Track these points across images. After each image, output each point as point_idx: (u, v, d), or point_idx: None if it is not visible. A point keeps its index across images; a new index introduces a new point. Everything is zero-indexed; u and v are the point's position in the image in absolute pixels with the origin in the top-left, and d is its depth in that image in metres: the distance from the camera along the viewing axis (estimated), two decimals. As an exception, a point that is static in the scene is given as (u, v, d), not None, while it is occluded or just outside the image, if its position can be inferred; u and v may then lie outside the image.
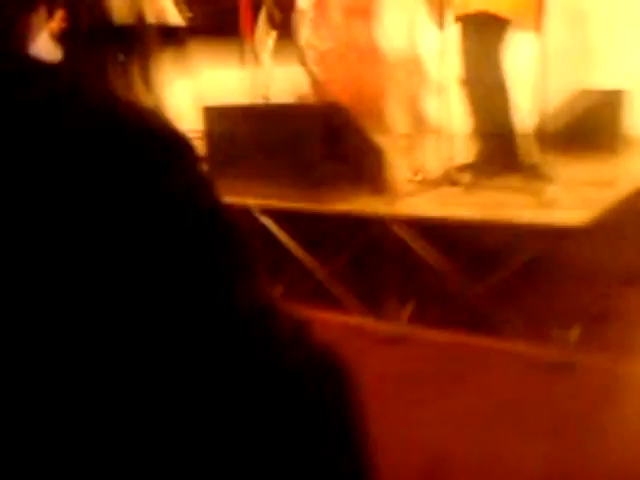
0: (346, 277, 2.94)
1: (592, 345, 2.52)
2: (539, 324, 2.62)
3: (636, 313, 2.65)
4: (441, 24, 3.18)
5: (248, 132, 3.02)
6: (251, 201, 3.00)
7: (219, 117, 3.10)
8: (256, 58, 4.05)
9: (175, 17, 5.01)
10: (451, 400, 2.34)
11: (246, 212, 3.02)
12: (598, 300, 2.66)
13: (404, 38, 3.41)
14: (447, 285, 2.74)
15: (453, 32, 3.33)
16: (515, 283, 2.71)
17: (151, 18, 4.93)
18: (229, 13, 4.52)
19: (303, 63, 4.24)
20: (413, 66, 3.45)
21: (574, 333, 2.54)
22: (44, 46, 5.59)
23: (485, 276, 2.73)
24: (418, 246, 2.79)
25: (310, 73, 4.20)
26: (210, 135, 3.12)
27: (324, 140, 2.94)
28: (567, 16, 4.97)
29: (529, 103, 3.37)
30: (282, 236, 3.02)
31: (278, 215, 3.02)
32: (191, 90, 5.04)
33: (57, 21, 5.65)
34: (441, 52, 3.14)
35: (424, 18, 3.31)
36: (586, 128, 4.19)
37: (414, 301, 2.81)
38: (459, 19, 3.29)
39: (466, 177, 3.15)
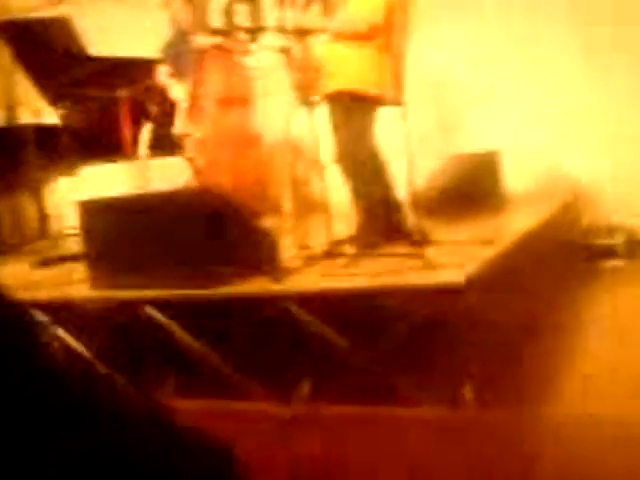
0: (240, 361, 2.87)
1: (492, 402, 2.54)
2: (437, 386, 2.62)
3: (528, 365, 2.71)
4: (309, 105, 3.27)
5: (126, 223, 2.97)
6: (135, 293, 2.93)
7: (95, 211, 3.04)
8: (134, 151, 4.03)
9: (51, 116, 4.97)
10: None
11: (131, 305, 2.94)
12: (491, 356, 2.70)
13: (280, 122, 3.49)
14: (340, 359, 2.72)
15: (323, 112, 3.45)
16: (408, 348, 2.72)
17: (27, 118, 4.88)
18: (103, 109, 4.51)
19: (180, 152, 4.27)
20: (290, 147, 3.52)
21: (468, 391, 2.56)
22: None
23: (378, 344, 2.73)
24: (308, 322, 2.77)
25: (189, 161, 4.23)
26: (87, 229, 3.06)
27: (204, 225, 2.92)
28: (430, 87, 5.24)
29: (406, 172, 3.47)
30: (171, 326, 2.94)
31: (164, 306, 2.94)
32: (71, 187, 4.95)
33: None
34: (312, 132, 3.21)
35: (295, 101, 3.40)
36: (464, 190, 4.37)
37: (310, 378, 2.77)
38: (325, 98, 3.41)
39: (350, 249, 3.19)
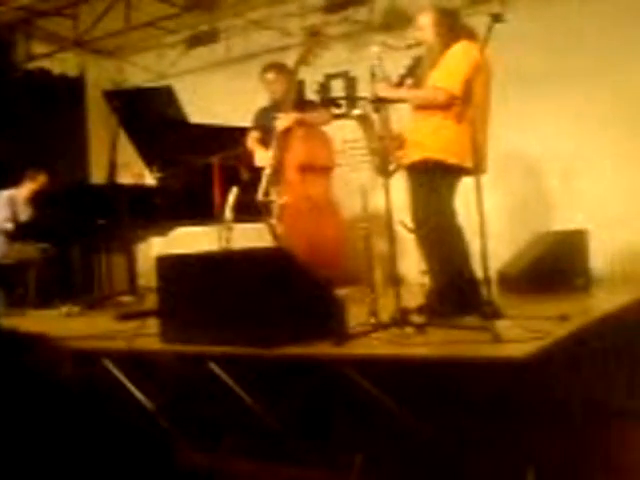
0: (297, 425, 2.84)
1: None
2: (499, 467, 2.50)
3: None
4: (386, 174, 3.29)
5: (198, 281, 3.05)
6: (200, 349, 2.98)
7: (170, 267, 3.14)
8: (221, 214, 4.15)
9: (149, 178, 5.24)
10: None
11: (195, 360, 2.99)
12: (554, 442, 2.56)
13: (359, 192, 3.51)
14: (400, 428, 2.64)
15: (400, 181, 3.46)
16: (471, 423, 2.62)
17: (126, 179, 5.15)
18: (197, 173, 4.70)
19: (263, 217, 4.37)
20: (368, 217, 3.54)
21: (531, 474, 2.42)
22: (20, 207, 5.81)
23: (438, 417, 2.64)
24: (370, 388, 2.72)
25: (270, 227, 4.31)
26: (162, 284, 3.16)
27: (273, 285, 2.95)
28: (524, 166, 5.19)
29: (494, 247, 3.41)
30: (231, 385, 2.96)
31: (227, 363, 2.97)
32: (162, 247, 5.16)
33: (35, 183, 5.90)
34: (387, 200, 3.22)
35: (373, 170, 3.43)
36: (548, 268, 4.24)
37: (366, 449, 2.70)
38: (405, 167, 3.43)
39: (419, 318, 3.14)
